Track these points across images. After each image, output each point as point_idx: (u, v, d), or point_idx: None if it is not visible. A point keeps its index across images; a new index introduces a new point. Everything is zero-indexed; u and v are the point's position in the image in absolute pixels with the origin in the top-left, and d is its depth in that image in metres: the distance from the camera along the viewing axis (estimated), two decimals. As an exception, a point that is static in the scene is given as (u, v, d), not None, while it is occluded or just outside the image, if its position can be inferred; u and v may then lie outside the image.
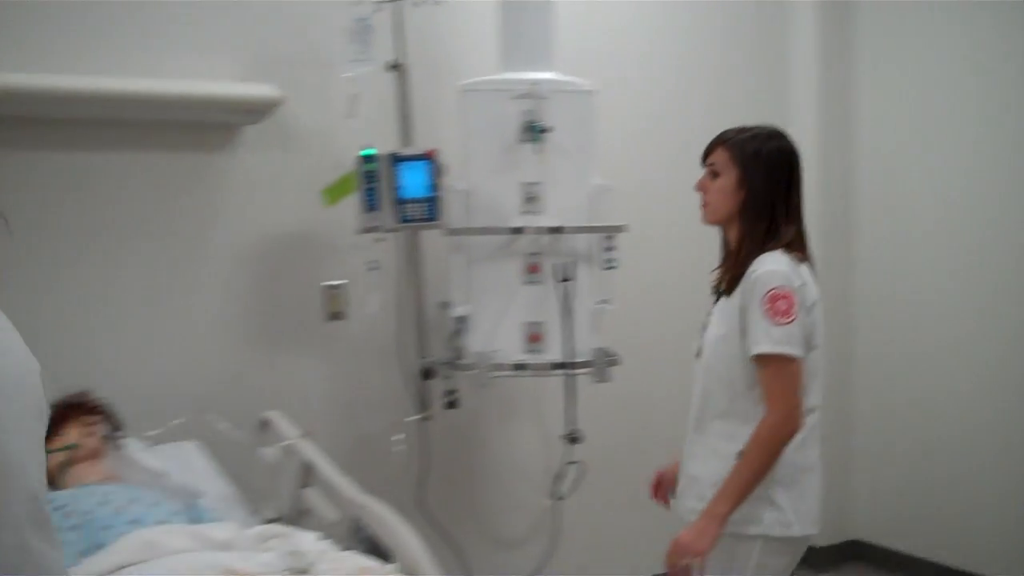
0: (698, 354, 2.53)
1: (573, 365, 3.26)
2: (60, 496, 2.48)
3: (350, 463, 2.89)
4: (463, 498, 3.82)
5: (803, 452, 2.42)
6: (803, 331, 2.35)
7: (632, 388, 3.97)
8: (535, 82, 3.15)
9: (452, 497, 3.74)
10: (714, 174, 2.49)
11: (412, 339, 3.55)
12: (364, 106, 3.24)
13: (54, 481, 2.66)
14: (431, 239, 3.47)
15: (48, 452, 2.68)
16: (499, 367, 3.25)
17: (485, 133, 3.23)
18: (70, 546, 2.28)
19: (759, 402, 2.37)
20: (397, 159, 3.16)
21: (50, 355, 2.98)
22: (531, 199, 3.20)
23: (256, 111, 3.18)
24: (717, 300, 2.49)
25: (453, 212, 3.26)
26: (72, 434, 2.71)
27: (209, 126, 3.27)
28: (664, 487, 2.76)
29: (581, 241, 3.29)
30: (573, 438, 3.40)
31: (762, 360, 2.34)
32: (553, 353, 3.27)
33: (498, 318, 3.25)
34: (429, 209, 3.18)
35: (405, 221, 3.18)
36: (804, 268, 2.42)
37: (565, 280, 3.22)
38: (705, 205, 2.52)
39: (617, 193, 3.36)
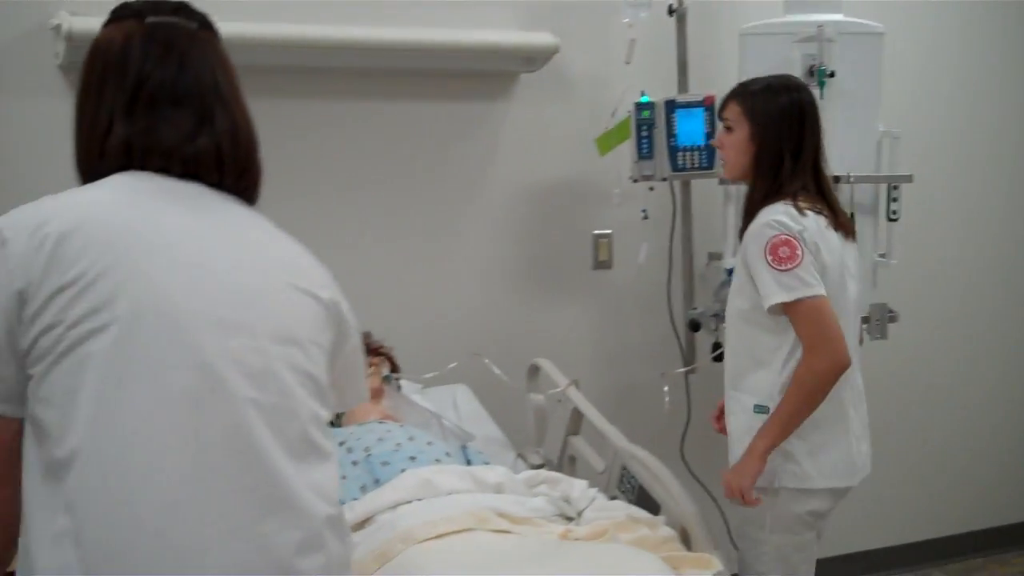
0: None
1: (850, 320, 3.16)
2: (341, 432, 2.58)
3: (613, 412, 2.89)
4: (724, 454, 3.75)
5: (822, 405, 2.37)
6: (816, 270, 2.32)
7: (911, 348, 3.84)
8: (821, 24, 3.03)
9: (713, 452, 3.66)
10: (729, 129, 2.49)
11: (679, 290, 3.50)
12: (639, 52, 3.19)
13: (336, 418, 2.77)
14: (701, 188, 3.40)
15: (334, 390, 2.79)
16: None
17: None
18: (352, 480, 2.37)
19: (774, 350, 2.38)
20: (673, 106, 3.12)
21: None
22: None
23: (533, 59, 3.19)
24: None
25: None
26: (354, 374, 2.80)
27: (487, 75, 3.30)
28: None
29: (863, 191, 3.17)
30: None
31: (786, 309, 2.32)
32: (829, 307, 3.19)
33: (771, 270, 3.15)
34: (705, 157, 3.12)
35: (679, 170, 3.14)
36: (810, 217, 2.37)
37: (845, 232, 3.11)
38: (723, 161, 2.52)
39: (902, 142, 3.22)
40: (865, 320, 3.19)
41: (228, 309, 1.33)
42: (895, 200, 3.20)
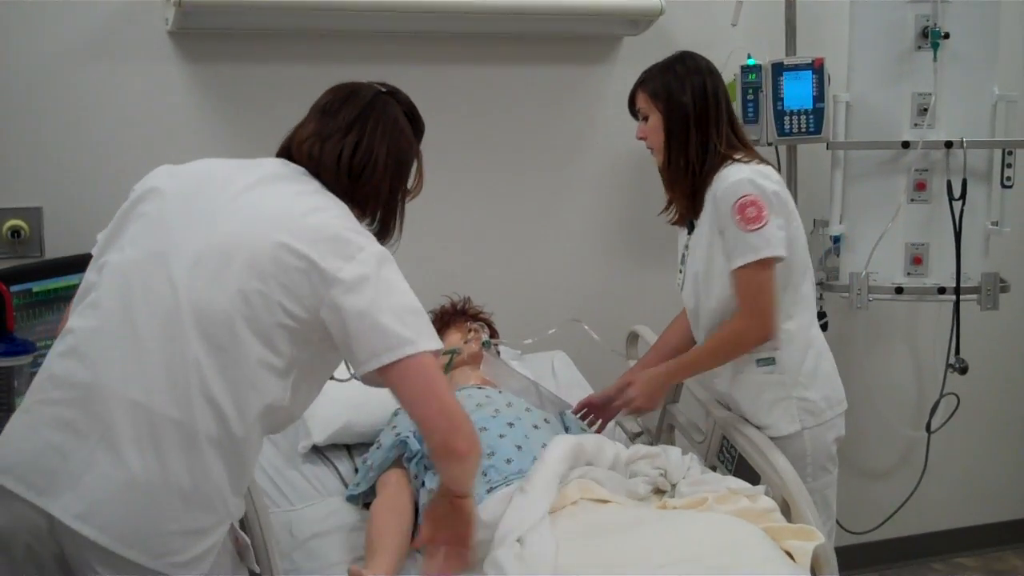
0: (682, 286, 2.61)
1: (960, 290, 3.11)
2: (440, 397, 2.60)
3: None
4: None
5: (812, 346, 2.51)
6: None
7: (1020, 318, 3.75)
8: (936, -17, 2.96)
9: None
10: (645, 118, 2.52)
11: (783, 257, 3.44)
12: (745, 14, 3.14)
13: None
14: (806, 153, 3.33)
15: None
16: (877, 290, 3.15)
17: (876, 40, 3.09)
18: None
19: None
20: (781, 69, 3.07)
21: (430, 263, 3.15)
22: (923, 111, 3.04)
23: (637, 21, 3.15)
24: (691, 232, 2.54)
25: (833, 125, 3.15)
26: (454, 339, 2.82)
27: (589, 38, 3.27)
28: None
29: (976, 157, 3.10)
30: (960, 368, 3.25)
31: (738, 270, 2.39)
32: (936, 277, 3.14)
33: (878, 239, 3.10)
34: (812, 122, 3.08)
35: (785, 134, 3.10)
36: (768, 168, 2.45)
37: (957, 199, 3.04)
38: (651, 150, 2.55)
39: (1018, 105, 3.14)
40: (975, 290, 3.15)
41: None
42: (1009, 166, 3.12)
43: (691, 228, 2.54)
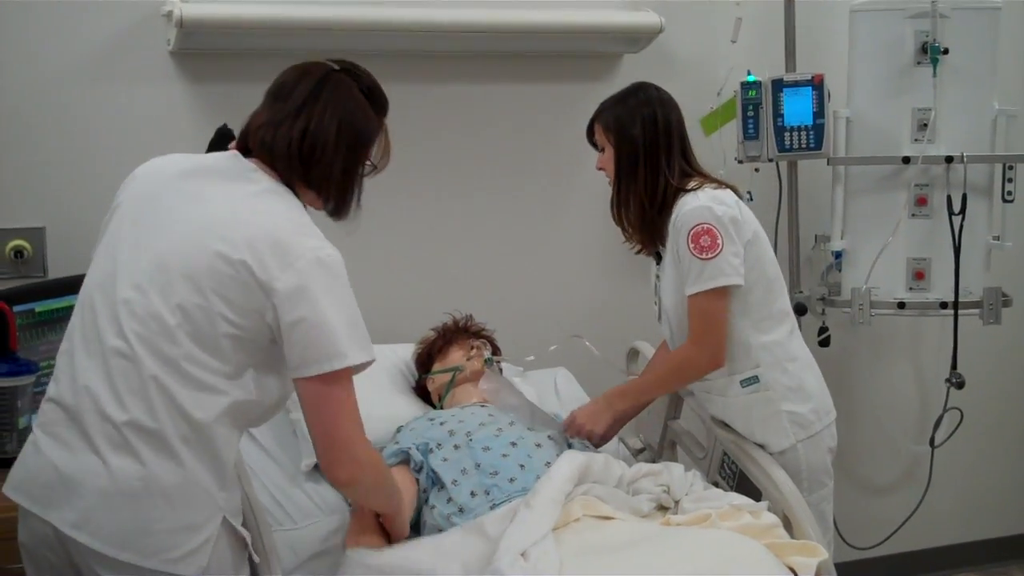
0: (659, 316, 2.62)
1: (961, 305, 3.11)
2: (442, 415, 2.59)
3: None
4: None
5: (795, 360, 2.52)
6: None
7: (1022, 332, 3.74)
8: (935, -1, 2.97)
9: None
10: (602, 150, 2.56)
11: (785, 273, 3.42)
12: (745, 31, 3.16)
13: (438, 400, 2.79)
14: (807, 169, 3.34)
15: (434, 373, 2.82)
16: (879, 305, 3.15)
17: (875, 56, 3.11)
18: (453, 463, 2.37)
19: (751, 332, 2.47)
20: (781, 85, 3.08)
21: (432, 281, 3.14)
22: (923, 126, 3.05)
23: (637, 39, 3.16)
24: (658, 262, 2.57)
25: (834, 140, 3.16)
26: (456, 356, 2.82)
27: (590, 56, 3.28)
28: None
29: (977, 172, 3.11)
30: (957, 383, 3.24)
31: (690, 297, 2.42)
32: (938, 291, 3.15)
33: (879, 253, 3.10)
34: (813, 137, 3.09)
35: (786, 150, 3.10)
36: (728, 193, 2.45)
37: (957, 214, 3.04)
38: (610, 180, 2.57)
39: (1018, 120, 3.15)
40: (977, 304, 3.15)
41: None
42: (1010, 181, 3.14)
43: (658, 258, 2.56)
